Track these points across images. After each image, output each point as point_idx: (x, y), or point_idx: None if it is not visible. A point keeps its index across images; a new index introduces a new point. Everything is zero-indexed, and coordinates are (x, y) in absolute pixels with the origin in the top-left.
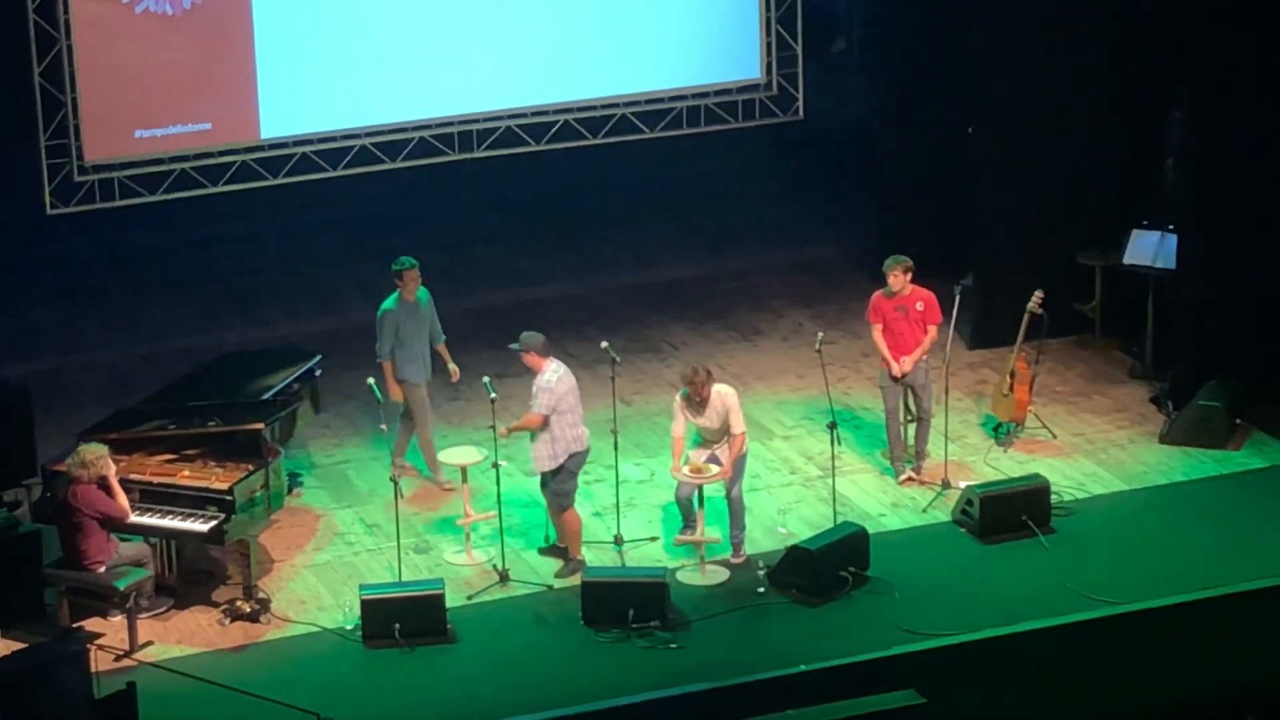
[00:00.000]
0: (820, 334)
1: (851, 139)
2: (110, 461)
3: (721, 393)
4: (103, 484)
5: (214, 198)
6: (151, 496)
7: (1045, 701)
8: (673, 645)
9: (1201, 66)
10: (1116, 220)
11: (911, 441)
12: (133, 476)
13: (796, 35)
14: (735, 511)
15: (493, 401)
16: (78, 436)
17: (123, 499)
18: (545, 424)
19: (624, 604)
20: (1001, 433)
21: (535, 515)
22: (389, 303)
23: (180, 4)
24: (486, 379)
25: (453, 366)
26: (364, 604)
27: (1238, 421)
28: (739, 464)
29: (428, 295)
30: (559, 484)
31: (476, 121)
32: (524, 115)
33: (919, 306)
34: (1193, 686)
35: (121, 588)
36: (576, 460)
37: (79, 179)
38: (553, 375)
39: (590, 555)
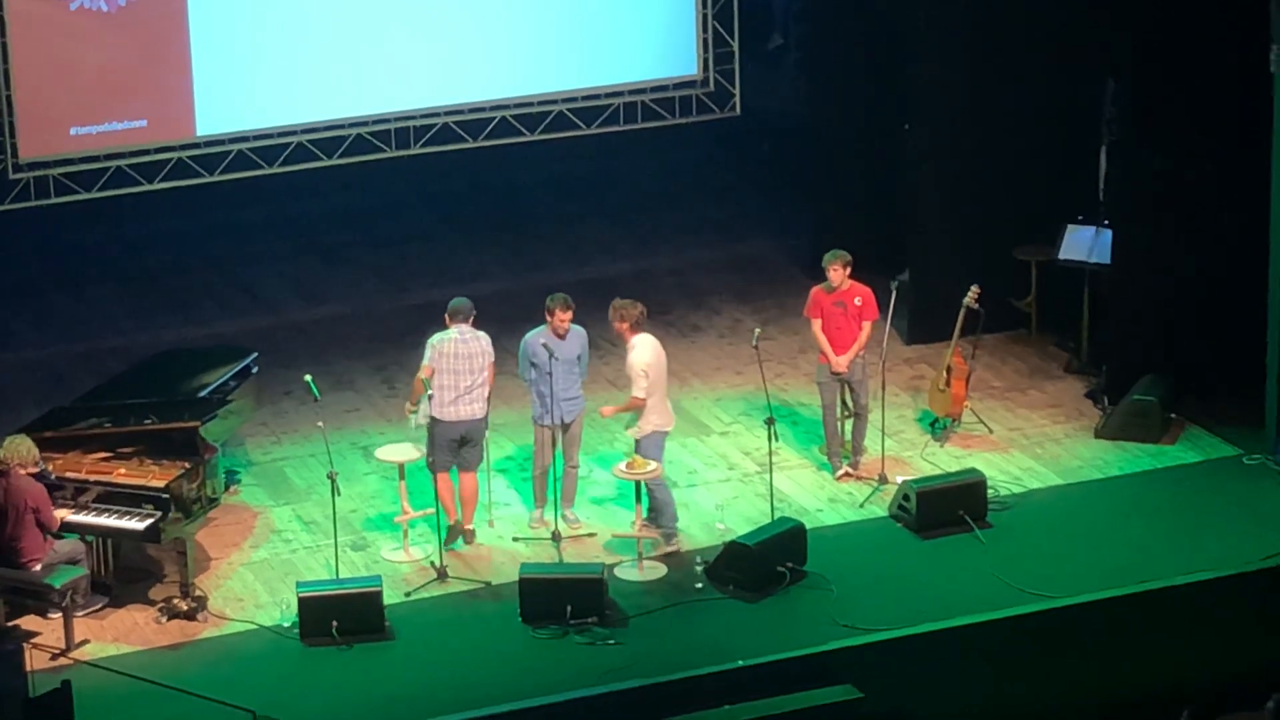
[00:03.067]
0: (757, 330)
1: (788, 135)
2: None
3: (634, 342)
4: (41, 477)
5: (150, 195)
6: (87, 495)
7: (981, 695)
8: (610, 641)
9: (1135, 62)
10: (1052, 216)
11: (849, 437)
12: (69, 475)
13: (733, 32)
14: (654, 500)
15: (429, 399)
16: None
17: (53, 513)
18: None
19: (561, 600)
20: (938, 428)
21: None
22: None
23: (115, 1)
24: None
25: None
26: (301, 602)
27: (1172, 416)
28: (651, 448)
29: None
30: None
31: (413, 118)
32: (461, 112)
33: (857, 302)
34: (1128, 681)
35: (58, 586)
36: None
37: (14, 176)
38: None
39: (526, 552)
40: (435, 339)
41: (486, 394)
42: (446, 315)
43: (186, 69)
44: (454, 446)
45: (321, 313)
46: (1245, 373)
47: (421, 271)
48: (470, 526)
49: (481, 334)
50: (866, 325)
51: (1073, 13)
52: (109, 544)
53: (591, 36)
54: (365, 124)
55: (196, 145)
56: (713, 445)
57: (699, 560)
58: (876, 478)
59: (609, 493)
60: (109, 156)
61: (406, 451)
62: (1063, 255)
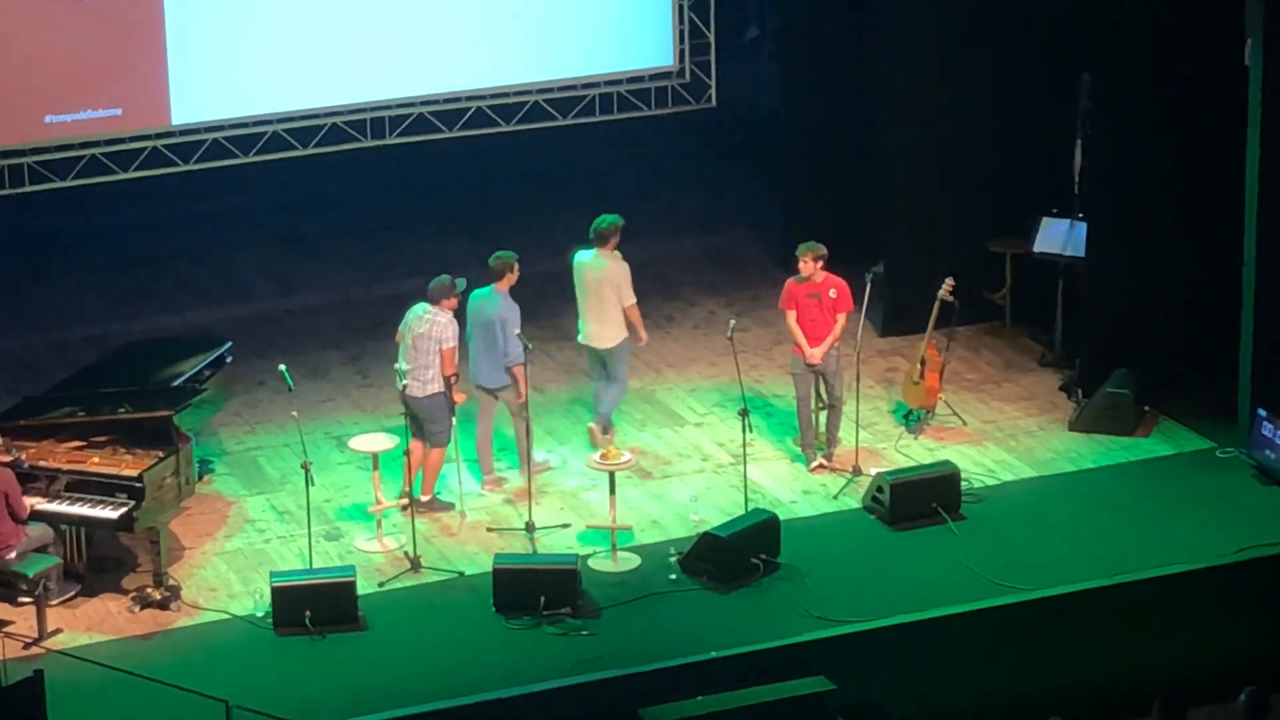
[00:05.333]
0: (732, 321)
1: (763, 127)
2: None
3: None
4: (15, 465)
5: (124, 184)
6: (61, 483)
7: (954, 687)
8: (584, 632)
9: (1110, 55)
10: (1027, 208)
11: (823, 429)
12: (42, 463)
13: (709, 23)
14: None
15: (404, 389)
16: None
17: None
18: None
19: (535, 591)
20: (912, 420)
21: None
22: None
23: None
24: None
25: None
26: (275, 591)
27: (1146, 409)
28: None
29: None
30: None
31: (389, 108)
32: (436, 102)
33: (831, 294)
34: (1101, 672)
35: (30, 574)
36: None
37: None
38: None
39: (500, 542)
40: (409, 311)
41: (431, 375)
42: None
43: (162, 57)
44: (411, 417)
45: (296, 302)
46: (1219, 366)
47: (396, 261)
48: (423, 497)
49: (443, 318)
50: (841, 317)
51: (1048, 6)
52: (82, 533)
53: (567, 27)
54: (341, 113)
55: (171, 134)
56: (687, 436)
57: (673, 551)
58: (850, 469)
59: (583, 484)
60: (84, 145)
61: (380, 441)
62: (1037, 248)
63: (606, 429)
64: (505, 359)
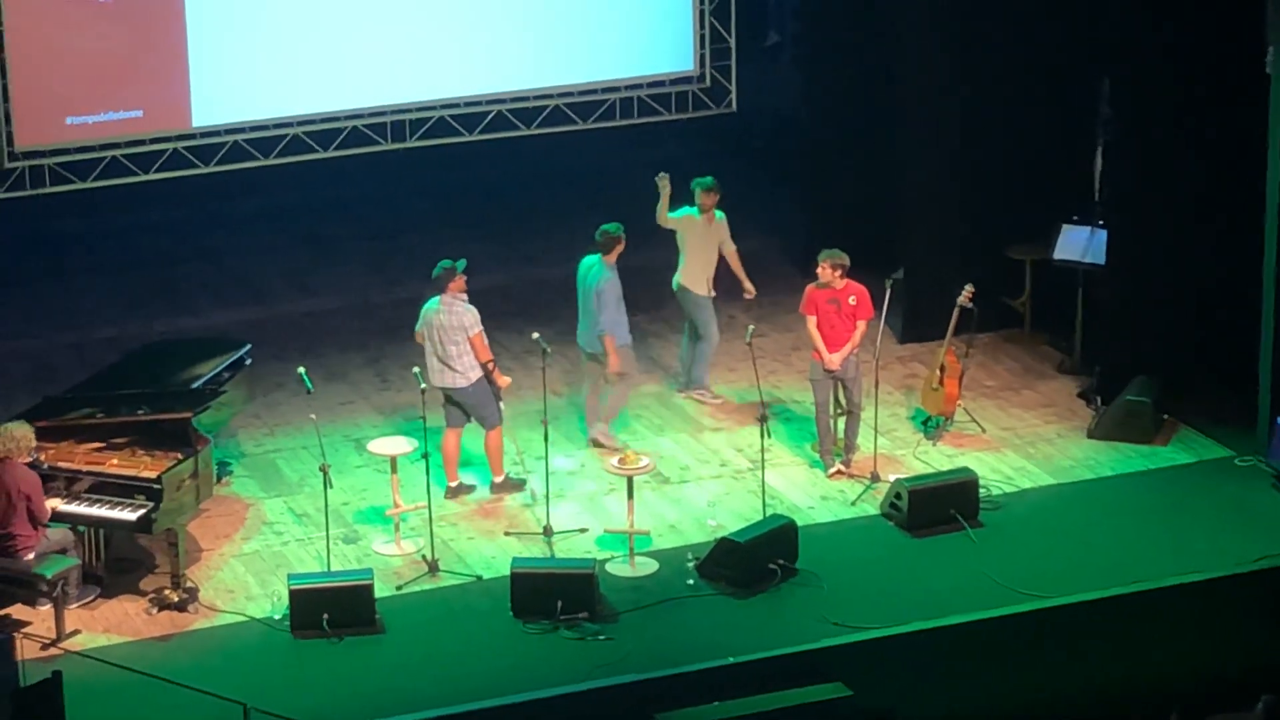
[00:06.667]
0: (751, 327)
1: (784, 132)
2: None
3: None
4: (34, 466)
5: (144, 185)
6: (80, 485)
7: (971, 694)
8: (601, 637)
9: (1130, 62)
10: (1046, 215)
11: (841, 435)
12: (61, 464)
13: (730, 28)
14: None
15: (423, 392)
16: None
17: (45, 503)
18: None
19: (552, 595)
20: (931, 426)
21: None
22: (606, 271)
23: None
24: (416, 369)
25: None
26: (292, 594)
27: (1165, 417)
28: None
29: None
30: None
31: (409, 111)
32: (457, 106)
33: (851, 301)
34: (1119, 681)
35: (49, 576)
36: None
37: (9, 165)
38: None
39: (519, 547)
40: (423, 308)
41: (469, 363)
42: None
43: (183, 59)
44: (450, 408)
45: (315, 305)
46: (1238, 374)
47: (415, 265)
48: (495, 478)
49: (459, 305)
50: (861, 324)
51: (1068, 12)
52: (100, 535)
53: (588, 32)
54: (361, 116)
55: (192, 136)
56: (705, 441)
57: (690, 556)
58: (868, 476)
59: (601, 488)
60: (104, 146)
61: (399, 445)
62: (1057, 255)
63: (706, 390)
64: (597, 328)
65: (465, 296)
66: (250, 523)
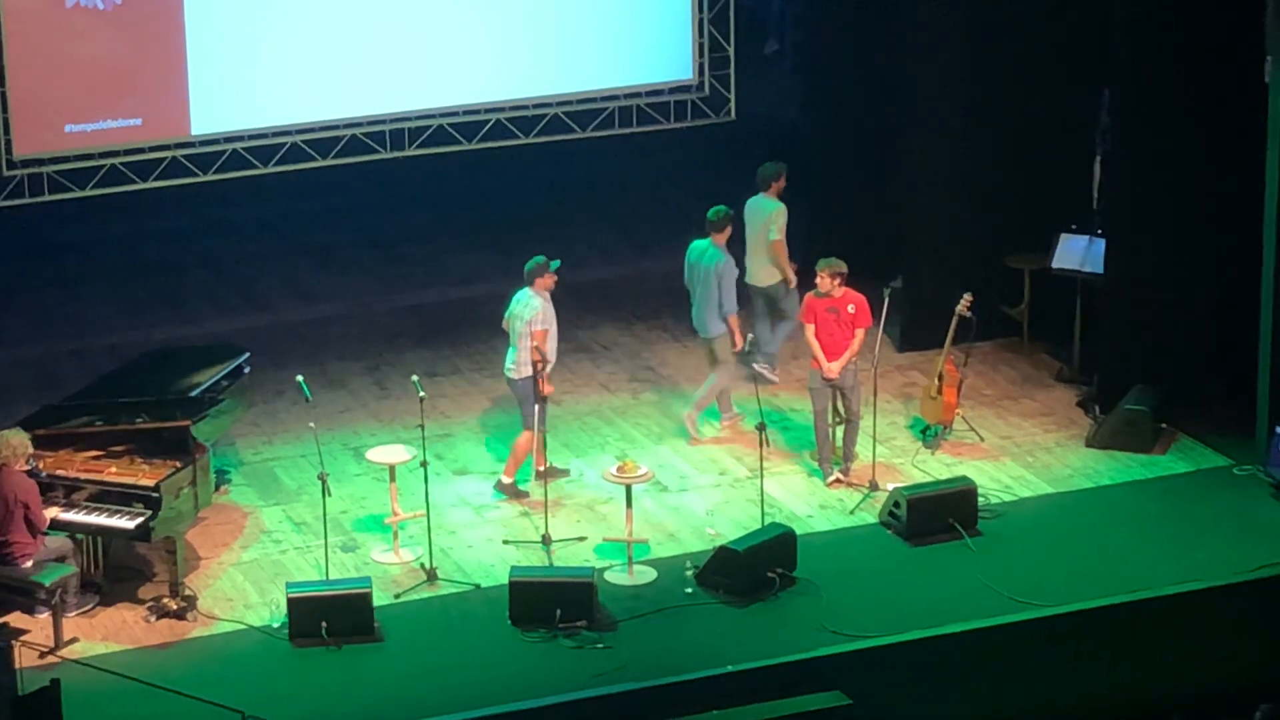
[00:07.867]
0: (750, 335)
1: (783, 141)
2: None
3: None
4: (33, 474)
5: (143, 193)
6: (78, 493)
7: (970, 704)
8: (599, 645)
9: (1130, 72)
10: (1045, 224)
11: (840, 443)
12: (60, 473)
13: (729, 37)
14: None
15: (421, 401)
16: None
17: (43, 511)
18: None
19: (551, 604)
20: (929, 435)
21: None
22: (720, 253)
23: None
24: (415, 377)
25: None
26: (291, 602)
27: (1163, 426)
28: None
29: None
30: None
31: (408, 120)
32: (456, 114)
33: (850, 309)
34: (1117, 689)
35: (48, 583)
36: None
37: (8, 173)
38: None
39: (517, 555)
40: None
41: (525, 358)
42: None
43: (182, 68)
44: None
45: (314, 313)
46: (1237, 383)
47: (414, 273)
48: (504, 478)
49: (524, 296)
50: (860, 333)
51: (1068, 22)
52: (99, 543)
53: (587, 40)
54: (360, 125)
55: (191, 144)
56: (704, 450)
57: (689, 565)
58: (867, 484)
59: (599, 496)
60: (103, 154)
61: (397, 453)
62: (1056, 264)
63: (773, 367)
64: (721, 310)
65: (546, 295)
66: (249, 531)
